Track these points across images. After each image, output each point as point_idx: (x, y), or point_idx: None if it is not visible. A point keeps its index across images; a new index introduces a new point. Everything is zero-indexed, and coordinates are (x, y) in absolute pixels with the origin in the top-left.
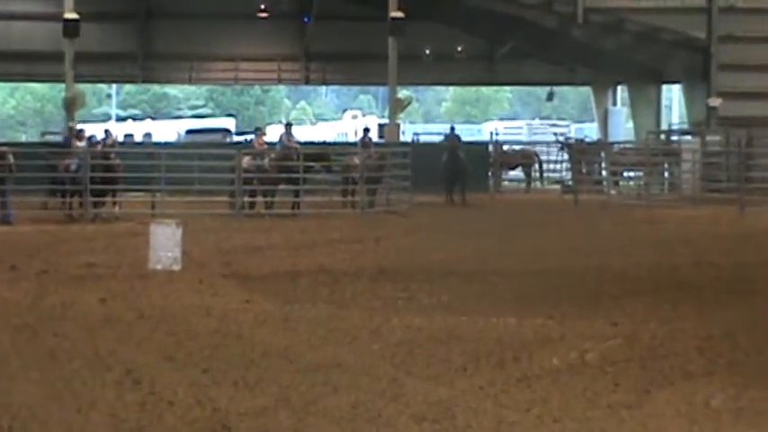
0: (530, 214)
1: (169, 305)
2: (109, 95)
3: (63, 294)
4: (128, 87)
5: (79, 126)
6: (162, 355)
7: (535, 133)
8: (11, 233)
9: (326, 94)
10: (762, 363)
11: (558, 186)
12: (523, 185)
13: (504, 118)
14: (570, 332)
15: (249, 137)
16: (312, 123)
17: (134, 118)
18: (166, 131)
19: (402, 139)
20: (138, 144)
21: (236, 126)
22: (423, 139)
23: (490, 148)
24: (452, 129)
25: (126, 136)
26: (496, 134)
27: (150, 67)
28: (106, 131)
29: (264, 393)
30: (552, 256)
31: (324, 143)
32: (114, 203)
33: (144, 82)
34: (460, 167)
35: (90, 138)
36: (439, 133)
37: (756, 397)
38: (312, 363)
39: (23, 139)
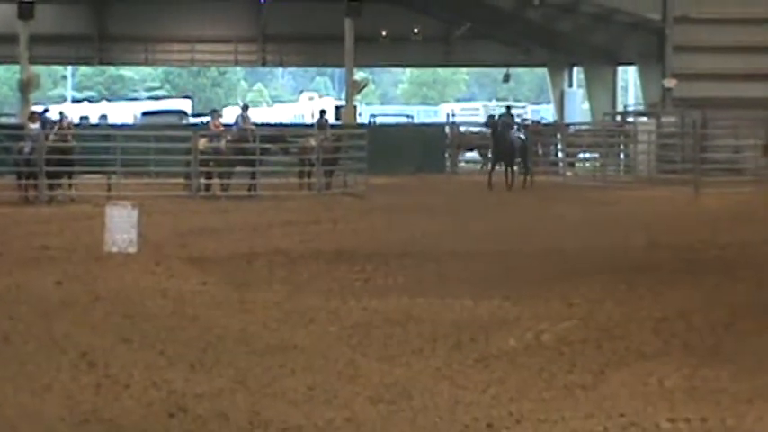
0: (485, 195)
1: (125, 287)
2: (64, 77)
3: (18, 277)
4: (83, 69)
5: (33, 108)
6: (118, 337)
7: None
8: None
9: (283, 76)
10: (715, 343)
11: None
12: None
13: (461, 99)
14: (526, 313)
15: (205, 119)
16: (269, 105)
17: (90, 100)
18: (122, 113)
19: (359, 120)
20: (94, 126)
21: (193, 108)
22: (379, 120)
23: (447, 129)
24: (508, 108)
25: (81, 118)
26: (453, 116)
27: (106, 48)
28: (61, 113)
29: (221, 375)
30: (508, 238)
31: (280, 125)
32: (70, 186)
33: (100, 64)
34: (510, 149)
35: (43, 113)
36: (395, 115)
37: (710, 376)
38: (268, 345)
39: None
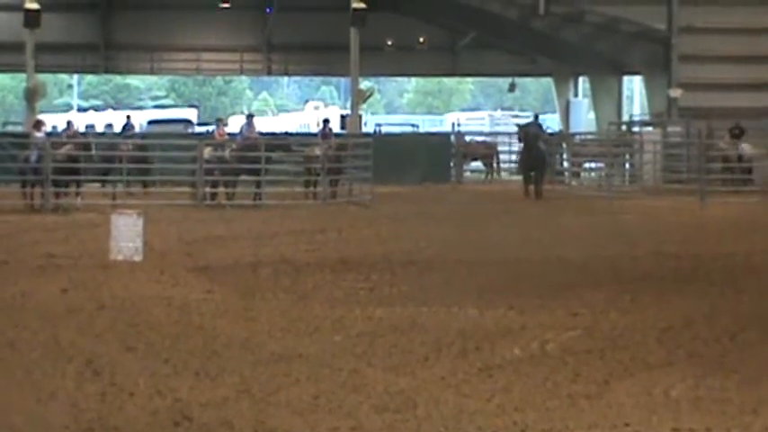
0: (491, 204)
1: (130, 296)
2: (70, 86)
3: (23, 285)
4: (89, 78)
5: (39, 116)
6: (123, 345)
7: (497, 124)
8: None
9: (288, 85)
10: (720, 352)
11: (519, 177)
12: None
13: (467, 109)
14: (531, 323)
15: (211, 128)
16: (274, 114)
17: (96, 108)
18: None
19: (364, 130)
20: (100, 135)
21: (198, 117)
22: (384, 130)
23: (452, 139)
24: (536, 117)
25: (87, 126)
26: (458, 125)
27: (112, 57)
28: (68, 122)
29: (226, 384)
30: (513, 247)
31: (285, 134)
32: (76, 194)
33: (105, 72)
34: (539, 158)
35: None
36: (401, 124)
37: (715, 386)
38: (273, 353)
39: None
